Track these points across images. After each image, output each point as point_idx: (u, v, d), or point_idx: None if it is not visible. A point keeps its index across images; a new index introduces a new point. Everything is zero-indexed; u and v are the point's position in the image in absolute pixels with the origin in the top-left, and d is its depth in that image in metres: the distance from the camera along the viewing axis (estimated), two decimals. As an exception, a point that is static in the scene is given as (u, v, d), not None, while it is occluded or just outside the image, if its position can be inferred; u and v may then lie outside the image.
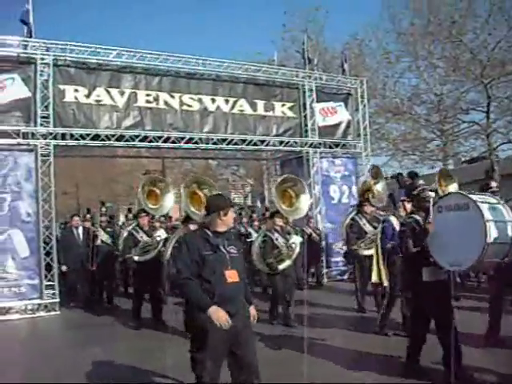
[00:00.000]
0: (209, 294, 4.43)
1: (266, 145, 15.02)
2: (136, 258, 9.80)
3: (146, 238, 9.93)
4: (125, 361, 7.40)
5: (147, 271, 9.66)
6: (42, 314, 11.47)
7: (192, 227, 8.31)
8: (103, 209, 13.93)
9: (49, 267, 11.77)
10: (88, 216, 13.24)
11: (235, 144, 14.48)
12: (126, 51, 13.07)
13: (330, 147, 16.09)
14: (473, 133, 25.40)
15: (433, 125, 25.63)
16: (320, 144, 15.82)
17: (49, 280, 11.66)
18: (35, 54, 11.93)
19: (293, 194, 10.13)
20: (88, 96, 12.64)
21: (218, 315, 4.30)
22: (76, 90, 12.50)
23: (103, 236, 12.36)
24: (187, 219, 8.81)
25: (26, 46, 11.98)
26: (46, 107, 11.97)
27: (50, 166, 11.97)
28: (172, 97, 13.64)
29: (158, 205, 10.23)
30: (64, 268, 12.15)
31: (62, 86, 12.33)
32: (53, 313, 11.53)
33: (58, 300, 11.72)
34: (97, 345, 8.42)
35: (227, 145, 14.37)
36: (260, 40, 66.17)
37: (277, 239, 9.51)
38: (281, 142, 15.29)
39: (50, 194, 11.94)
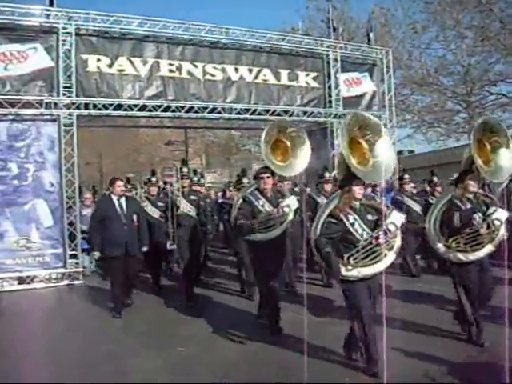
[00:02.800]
0: None
1: (290, 115, 14.79)
2: (255, 236, 6.85)
3: (268, 207, 6.94)
4: (145, 332, 7.43)
5: (270, 255, 6.87)
6: (66, 282, 11.57)
7: (357, 191, 5.55)
8: (184, 169, 9.94)
9: (72, 236, 11.83)
10: (153, 179, 11.24)
11: (259, 114, 14.30)
12: (149, 20, 12.88)
13: (355, 118, 15.83)
14: (500, 105, 24.94)
15: (459, 96, 25.19)
16: (344, 115, 15.55)
17: (72, 249, 11.75)
18: (57, 24, 11.82)
19: (488, 148, 6.51)
20: (111, 65, 12.54)
21: None
22: (98, 60, 12.40)
23: (185, 206, 9.38)
24: (350, 178, 5.56)
25: (48, 16, 11.88)
26: (69, 77, 11.90)
27: (73, 136, 11.95)
28: (195, 66, 13.48)
29: (287, 161, 7.25)
30: (97, 254, 8.64)
31: (84, 56, 12.23)
32: (76, 282, 11.60)
33: (81, 269, 11.81)
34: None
35: (250, 115, 14.20)
36: (284, 9, 64.96)
37: (474, 212, 6.36)
38: (305, 113, 15.08)
39: (73, 164, 11.94)
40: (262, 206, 6.96)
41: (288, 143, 7.24)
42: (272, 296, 7.04)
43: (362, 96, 16.05)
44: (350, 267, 5.41)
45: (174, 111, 13.25)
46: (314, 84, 15.25)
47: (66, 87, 11.86)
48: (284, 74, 14.67)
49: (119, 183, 8.69)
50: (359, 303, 5.37)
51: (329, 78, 15.38)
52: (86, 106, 12.29)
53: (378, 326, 5.12)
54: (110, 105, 12.42)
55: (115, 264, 8.42)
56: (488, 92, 25.28)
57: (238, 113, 14.06)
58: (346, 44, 16.46)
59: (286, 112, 14.67)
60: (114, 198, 8.60)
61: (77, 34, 12.06)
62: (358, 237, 5.49)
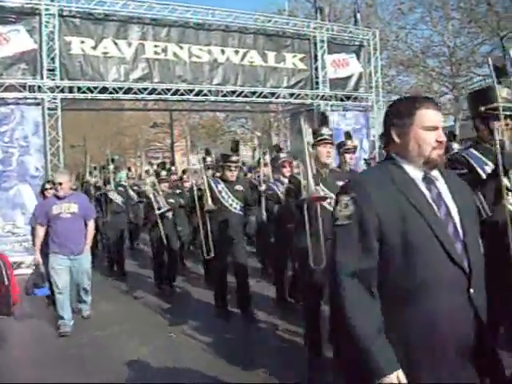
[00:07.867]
0: None
1: (277, 97, 14.74)
2: None
3: None
4: (135, 318, 7.39)
5: None
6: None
7: None
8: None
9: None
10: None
11: (245, 96, 14.21)
12: (133, 1, 12.69)
13: (341, 100, 15.81)
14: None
15: (445, 78, 25.15)
16: (331, 97, 15.54)
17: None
18: (40, 5, 11.61)
19: None
20: (95, 48, 12.37)
21: None
22: (82, 42, 12.23)
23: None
24: None
25: (30, -4, 11.67)
26: (53, 59, 11.74)
27: (58, 119, 11.82)
28: (181, 48, 13.33)
29: None
30: None
31: (68, 38, 12.05)
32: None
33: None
34: (106, 302, 8.40)
35: (237, 97, 14.11)
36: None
37: None
38: (291, 95, 14.99)
39: (58, 148, 11.84)
40: None
41: None
42: None
43: (348, 77, 15.98)
44: None
45: (159, 94, 13.12)
46: (301, 65, 15.14)
47: (49, 70, 11.70)
48: (271, 55, 14.55)
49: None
50: None
51: (316, 59, 15.27)
52: (71, 89, 12.13)
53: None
54: (95, 88, 12.27)
55: None
56: (474, 74, 25.25)
57: (225, 95, 13.95)
58: (332, 25, 16.36)
59: (272, 94, 14.58)
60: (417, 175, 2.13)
61: (60, 16, 11.87)
62: None
